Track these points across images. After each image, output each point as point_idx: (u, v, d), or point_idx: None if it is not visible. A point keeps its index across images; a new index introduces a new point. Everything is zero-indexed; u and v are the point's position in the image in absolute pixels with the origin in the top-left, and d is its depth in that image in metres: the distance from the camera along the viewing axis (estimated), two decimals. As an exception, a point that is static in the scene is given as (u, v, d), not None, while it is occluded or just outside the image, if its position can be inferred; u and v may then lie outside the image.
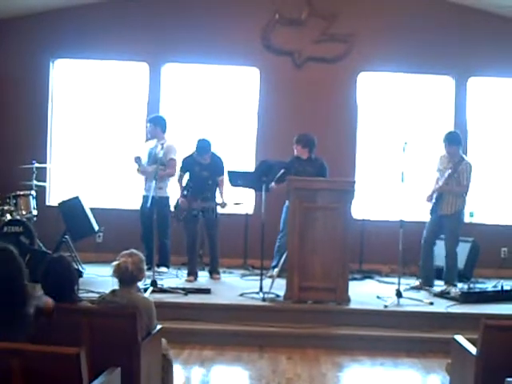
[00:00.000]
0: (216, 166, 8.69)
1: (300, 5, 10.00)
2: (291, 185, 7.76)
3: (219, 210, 8.61)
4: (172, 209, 8.77)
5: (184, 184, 8.75)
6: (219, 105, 10.31)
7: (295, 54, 10.10)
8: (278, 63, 10.10)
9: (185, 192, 8.69)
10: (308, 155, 8.72)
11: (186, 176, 8.75)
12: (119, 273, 4.87)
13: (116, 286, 4.89)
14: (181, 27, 10.05)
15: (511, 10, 8.42)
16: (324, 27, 10.05)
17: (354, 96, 10.17)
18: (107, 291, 4.95)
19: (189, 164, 8.68)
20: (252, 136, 10.24)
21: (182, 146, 9.29)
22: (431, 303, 7.67)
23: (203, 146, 8.57)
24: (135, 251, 4.99)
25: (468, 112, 10.19)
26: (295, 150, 8.74)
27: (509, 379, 3.94)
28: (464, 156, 8.54)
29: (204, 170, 8.63)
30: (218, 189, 8.70)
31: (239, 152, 9.99)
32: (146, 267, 5.02)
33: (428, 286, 8.44)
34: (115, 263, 4.90)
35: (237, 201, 8.69)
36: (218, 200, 8.62)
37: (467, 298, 7.83)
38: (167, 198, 8.91)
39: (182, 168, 8.73)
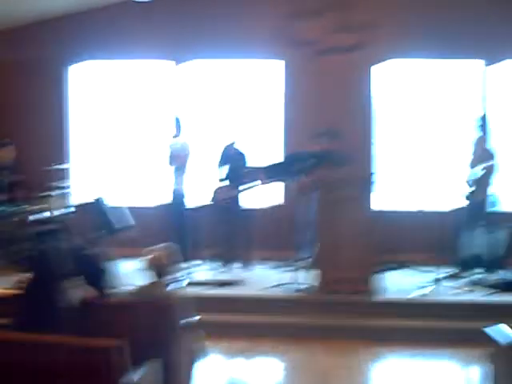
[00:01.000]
0: (244, 156, 8.86)
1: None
2: (318, 176, 7.71)
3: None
4: (210, 199, 8.76)
5: (223, 173, 8.78)
6: (245, 99, 10.24)
7: (315, 45, 10.00)
8: (299, 55, 9.97)
9: (224, 181, 8.72)
10: (331, 147, 8.66)
11: (224, 166, 8.82)
12: (153, 266, 4.87)
13: (151, 279, 4.88)
14: (204, 23, 9.97)
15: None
16: (341, 17, 9.93)
17: (371, 85, 10.03)
18: (142, 284, 4.94)
19: (227, 153, 8.79)
20: (279, 129, 10.17)
21: (204, 142, 9.31)
22: (470, 291, 7.56)
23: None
24: (168, 244, 5.00)
25: (496, 97, 10.01)
26: (319, 145, 8.68)
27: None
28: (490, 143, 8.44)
29: (239, 159, 8.72)
30: None
31: (267, 146, 9.89)
32: (176, 261, 5.01)
33: (467, 273, 8.30)
34: (149, 257, 4.89)
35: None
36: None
37: (508, 285, 7.68)
38: (183, 194, 8.94)
39: (220, 158, 8.81)
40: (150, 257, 4.92)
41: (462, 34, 9.80)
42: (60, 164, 9.36)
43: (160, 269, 4.87)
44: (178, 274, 7.08)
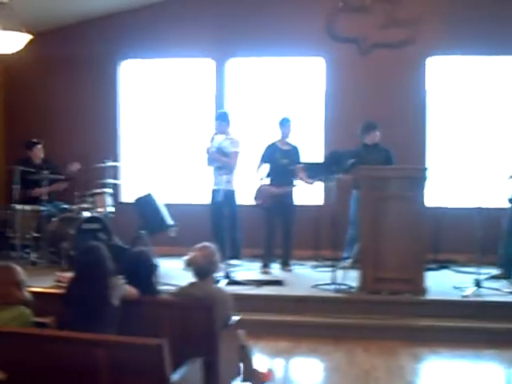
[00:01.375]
0: (295, 153, 8.79)
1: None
2: (361, 174, 7.67)
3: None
4: (254, 198, 8.78)
5: (264, 173, 8.79)
6: (286, 96, 10.25)
7: (360, 41, 9.97)
8: (343, 51, 9.99)
9: (267, 180, 8.73)
10: (377, 141, 8.64)
11: (265, 165, 8.82)
12: (192, 266, 4.90)
13: (193, 279, 4.91)
14: (244, 21, 10.03)
15: None
16: (389, 12, 9.87)
17: (422, 81, 9.97)
18: (183, 284, 4.98)
19: (270, 152, 8.78)
20: (320, 126, 10.15)
21: (248, 140, 9.37)
22: (511, 292, 7.48)
23: (285, 120, 8.77)
24: (207, 244, 5.02)
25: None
26: (371, 138, 8.63)
27: None
28: None
29: (284, 157, 8.72)
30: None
31: (308, 143, 9.88)
32: (218, 260, 5.02)
33: (509, 275, 8.19)
34: (187, 257, 4.92)
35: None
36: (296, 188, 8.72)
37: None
38: (235, 192, 8.95)
39: (263, 156, 8.82)
40: (189, 256, 4.95)
41: (503, 32, 9.69)
42: (110, 161, 9.45)
43: (199, 268, 4.89)
44: (218, 274, 7.14)
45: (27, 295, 4.42)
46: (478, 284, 7.44)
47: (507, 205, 8.22)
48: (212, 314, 4.46)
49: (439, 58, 9.99)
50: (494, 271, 8.29)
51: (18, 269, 4.51)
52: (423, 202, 7.52)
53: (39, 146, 9.54)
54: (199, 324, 4.45)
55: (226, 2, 10.13)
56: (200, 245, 5.01)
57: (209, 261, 4.87)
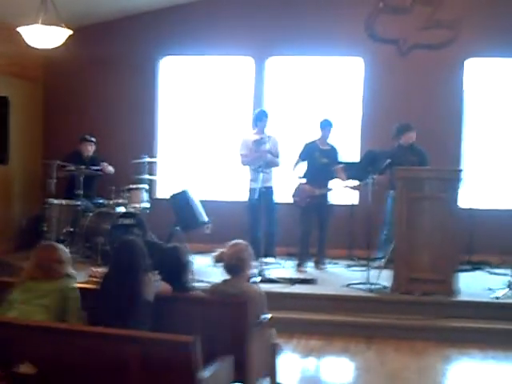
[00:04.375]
0: (334, 153, 8.83)
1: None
2: (397, 175, 7.68)
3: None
4: (292, 196, 8.82)
5: (302, 171, 8.84)
6: (325, 96, 10.29)
7: (400, 42, 9.94)
8: (382, 52, 9.98)
9: (305, 179, 8.77)
10: (411, 142, 8.65)
11: (303, 163, 8.85)
12: (220, 262, 4.94)
13: (226, 276, 4.95)
14: (284, 20, 10.08)
15: None
16: (429, 13, 9.83)
17: (460, 83, 9.93)
18: (217, 281, 5.03)
19: (310, 150, 8.81)
20: (357, 126, 10.16)
21: (285, 139, 9.45)
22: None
23: (328, 123, 8.76)
24: (238, 241, 5.03)
25: None
26: (406, 138, 8.63)
27: None
28: None
29: (324, 156, 8.75)
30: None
31: (345, 143, 9.90)
32: (251, 257, 5.04)
33: None
34: (215, 253, 4.97)
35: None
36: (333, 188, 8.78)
37: None
38: (273, 189, 8.99)
39: (301, 154, 8.86)
40: (219, 253, 4.99)
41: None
42: (147, 157, 9.58)
43: (228, 265, 4.92)
44: (252, 272, 7.21)
45: (70, 271, 4.58)
46: (510, 286, 7.41)
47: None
48: (244, 311, 4.49)
49: (478, 59, 9.94)
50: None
51: (61, 247, 4.72)
52: (457, 204, 7.53)
53: (90, 142, 9.65)
54: (231, 322, 4.51)
55: (266, 0, 10.18)
56: (231, 242, 5.04)
57: (237, 257, 4.88)
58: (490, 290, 7.63)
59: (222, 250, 4.98)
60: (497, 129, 9.94)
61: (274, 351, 5.11)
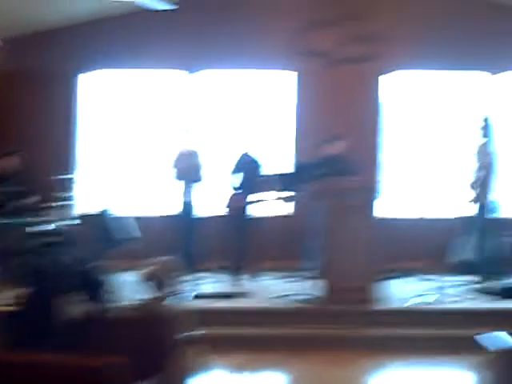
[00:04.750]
0: (265, 165, 8.96)
1: (331, 5, 9.95)
2: (325, 185, 7.75)
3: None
4: (225, 208, 8.83)
5: (236, 183, 8.86)
6: (257, 109, 10.34)
7: (327, 56, 10.06)
8: (312, 65, 10.08)
9: (239, 191, 8.80)
10: (337, 153, 8.74)
11: (237, 175, 8.90)
12: (152, 279, 4.90)
13: (151, 293, 4.91)
14: (213, 33, 10.06)
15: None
16: (356, 27, 10.00)
17: (385, 95, 10.10)
18: (142, 299, 4.98)
19: (242, 163, 8.90)
20: (288, 138, 10.23)
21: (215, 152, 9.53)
22: (472, 299, 7.58)
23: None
24: (166, 258, 5.00)
25: (500, 105, 10.07)
26: (327, 150, 8.74)
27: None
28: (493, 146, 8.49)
29: (258, 168, 8.85)
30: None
31: (276, 155, 9.95)
32: (179, 273, 5.02)
33: (488, 277, 8.31)
34: (147, 270, 4.93)
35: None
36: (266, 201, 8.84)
37: (509, 292, 7.70)
38: (192, 203, 9.06)
39: (235, 167, 8.91)
40: (147, 270, 4.95)
41: (469, 45, 9.85)
42: (66, 174, 9.43)
43: (159, 282, 4.89)
44: (181, 287, 7.16)
45: None
46: (437, 292, 7.54)
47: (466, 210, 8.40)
48: (169, 329, 4.47)
49: (403, 72, 10.15)
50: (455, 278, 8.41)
51: None
52: (380, 213, 7.64)
53: (11, 155, 9.38)
54: (156, 340, 4.46)
55: (196, 13, 10.13)
56: (161, 258, 5.01)
57: (164, 274, 4.86)
58: (413, 296, 7.74)
59: (151, 266, 4.94)
60: (416, 140, 10.13)
61: (198, 368, 5.08)
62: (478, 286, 8.13)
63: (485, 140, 8.41)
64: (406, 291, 8.10)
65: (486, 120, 8.65)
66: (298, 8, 9.98)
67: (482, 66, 10.05)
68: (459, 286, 8.23)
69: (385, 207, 8.92)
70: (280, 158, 9.98)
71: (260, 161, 8.95)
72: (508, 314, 7.06)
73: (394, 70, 10.06)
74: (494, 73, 10.05)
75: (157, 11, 9.51)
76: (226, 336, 7.01)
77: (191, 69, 10.31)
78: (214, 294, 7.91)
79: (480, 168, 8.28)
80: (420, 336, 7.03)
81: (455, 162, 9.70)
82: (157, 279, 4.90)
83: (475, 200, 8.34)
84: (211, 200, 9.47)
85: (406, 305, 7.51)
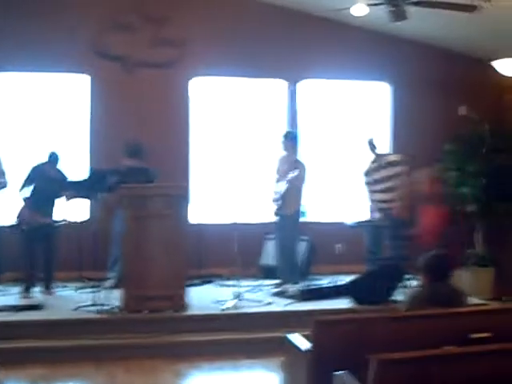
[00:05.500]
0: (61, 178, 8.58)
1: (131, 10, 9.85)
2: (122, 193, 7.64)
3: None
4: (16, 219, 8.41)
5: (27, 194, 8.45)
6: (50, 113, 9.99)
7: (126, 59, 9.94)
8: (109, 69, 9.90)
9: (28, 203, 8.41)
10: (138, 163, 8.65)
11: (30, 187, 8.49)
12: None
13: None
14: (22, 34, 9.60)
15: (337, 12, 8.66)
16: (155, 32, 9.96)
17: (186, 101, 10.14)
18: None
19: (37, 174, 8.49)
20: (85, 144, 9.97)
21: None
22: (270, 303, 7.75)
23: (56, 157, 8.50)
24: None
25: (300, 113, 10.43)
26: (126, 161, 8.65)
27: (336, 373, 3.99)
28: (298, 157, 8.72)
29: (50, 182, 8.45)
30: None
31: (72, 160, 9.64)
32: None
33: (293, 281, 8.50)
34: None
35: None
36: (60, 214, 8.48)
37: (304, 295, 7.97)
38: None
39: (28, 177, 8.49)
40: None
41: (267, 54, 10.13)
42: None
43: None
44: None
45: None
46: (237, 297, 7.65)
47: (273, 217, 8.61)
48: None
49: (203, 78, 10.23)
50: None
51: None
52: (185, 220, 7.70)
53: None
54: None
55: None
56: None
57: None
58: (218, 302, 7.83)
59: None
60: (220, 146, 10.30)
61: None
62: (278, 289, 8.33)
63: (288, 149, 8.63)
64: (209, 298, 8.15)
65: (289, 130, 8.88)
66: (97, 10, 9.78)
67: (281, 74, 10.35)
68: (261, 290, 8.45)
69: (193, 213, 8.97)
70: (76, 165, 9.68)
71: (53, 169, 8.60)
72: (302, 315, 7.26)
73: (196, 76, 10.12)
74: (292, 81, 10.37)
75: None
76: (20, 349, 6.72)
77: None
78: (6, 307, 7.52)
79: (284, 177, 8.48)
80: (225, 340, 7.09)
81: (261, 169, 9.90)
82: None
83: (280, 207, 8.54)
84: (7, 209, 9.03)
85: (208, 311, 7.55)
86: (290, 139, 8.72)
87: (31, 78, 9.99)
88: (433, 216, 8.78)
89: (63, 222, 8.42)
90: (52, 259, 8.53)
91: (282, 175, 8.60)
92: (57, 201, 8.47)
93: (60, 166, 8.62)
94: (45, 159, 8.58)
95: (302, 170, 8.52)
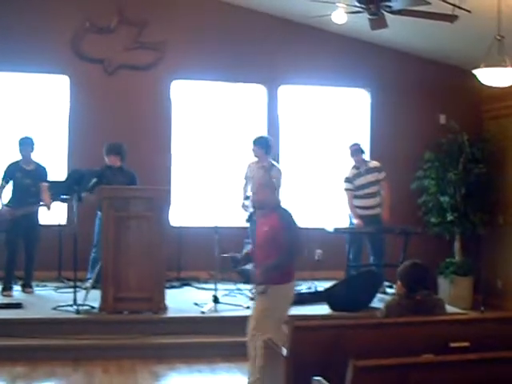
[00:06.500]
0: (40, 172, 8.55)
1: (110, 12, 9.85)
2: (103, 194, 7.67)
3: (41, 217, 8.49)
4: None
5: (7, 193, 8.48)
6: (29, 114, 9.93)
7: (106, 62, 9.94)
8: (88, 71, 9.89)
9: (7, 201, 8.43)
10: (120, 164, 8.66)
11: (7, 185, 8.50)
12: None
13: None
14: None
15: (318, 19, 8.69)
16: (135, 35, 9.98)
17: (167, 104, 10.16)
18: None
19: (11, 171, 8.47)
20: (64, 145, 9.95)
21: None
22: (248, 307, 7.79)
23: (27, 142, 8.45)
24: None
25: (280, 119, 10.48)
26: (107, 160, 8.65)
27: (315, 378, 4.05)
28: (274, 162, 8.74)
29: (27, 177, 8.44)
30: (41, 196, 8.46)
31: (50, 161, 9.60)
32: None
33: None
34: None
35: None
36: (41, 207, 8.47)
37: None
38: None
39: (4, 176, 8.48)
40: None
41: (247, 59, 10.17)
42: None
43: None
44: None
45: None
46: (215, 300, 7.69)
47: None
48: None
49: (183, 81, 10.24)
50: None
51: None
52: (165, 222, 7.72)
53: None
54: None
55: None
56: None
57: None
58: (196, 304, 7.87)
59: None
60: (200, 148, 10.33)
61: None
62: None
63: (261, 157, 8.63)
64: (185, 300, 8.20)
65: (260, 138, 8.87)
66: (77, 12, 9.77)
67: (261, 79, 10.41)
68: (240, 294, 8.50)
69: (174, 216, 9.02)
70: (55, 165, 9.64)
71: (33, 169, 8.55)
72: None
73: (176, 79, 10.14)
74: (272, 87, 10.43)
75: None
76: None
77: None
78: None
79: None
80: (204, 343, 7.16)
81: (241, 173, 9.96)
82: None
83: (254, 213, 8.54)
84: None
85: (185, 314, 7.60)
86: (260, 144, 8.64)
87: (10, 79, 9.93)
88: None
89: (42, 206, 8.37)
90: (32, 257, 8.53)
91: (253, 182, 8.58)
92: (35, 192, 8.43)
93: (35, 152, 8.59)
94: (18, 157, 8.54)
95: (278, 175, 8.52)
